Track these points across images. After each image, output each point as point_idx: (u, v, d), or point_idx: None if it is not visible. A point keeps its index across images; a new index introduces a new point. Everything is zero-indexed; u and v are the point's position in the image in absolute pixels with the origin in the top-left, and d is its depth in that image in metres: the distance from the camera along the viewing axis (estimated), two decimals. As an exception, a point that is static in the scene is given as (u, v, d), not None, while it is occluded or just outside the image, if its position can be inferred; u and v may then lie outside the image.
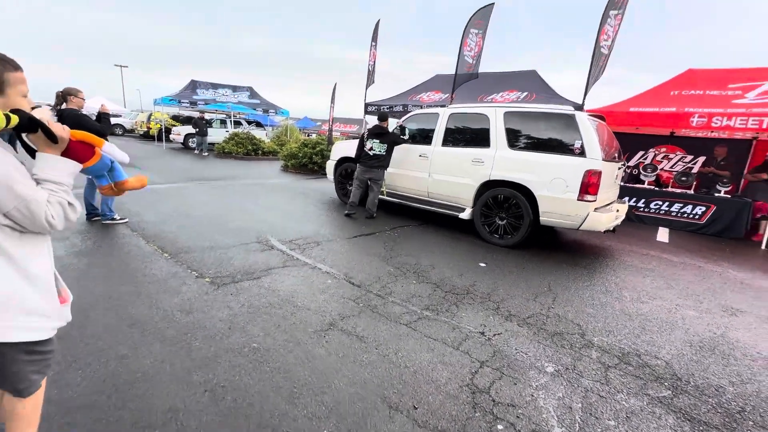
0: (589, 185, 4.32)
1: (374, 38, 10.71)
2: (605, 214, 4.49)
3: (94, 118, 4.69)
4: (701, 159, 8.84)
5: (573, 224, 4.51)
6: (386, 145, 5.66)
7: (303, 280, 3.36)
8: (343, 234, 4.97)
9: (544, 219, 4.68)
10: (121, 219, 4.67)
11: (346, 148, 7.00)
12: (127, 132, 23.68)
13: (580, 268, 4.33)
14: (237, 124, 19.02)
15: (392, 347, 2.41)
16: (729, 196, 7.07)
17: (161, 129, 18.18)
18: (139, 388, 1.86)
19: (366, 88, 11.26)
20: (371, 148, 5.65)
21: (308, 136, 26.81)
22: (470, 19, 8.33)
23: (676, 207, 7.28)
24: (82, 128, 1.31)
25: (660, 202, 7.41)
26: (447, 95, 10.68)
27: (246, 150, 15.16)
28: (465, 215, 5.30)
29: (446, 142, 5.60)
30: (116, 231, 4.35)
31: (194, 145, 17.25)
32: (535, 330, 2.80)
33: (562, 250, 5.13)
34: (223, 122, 18.57)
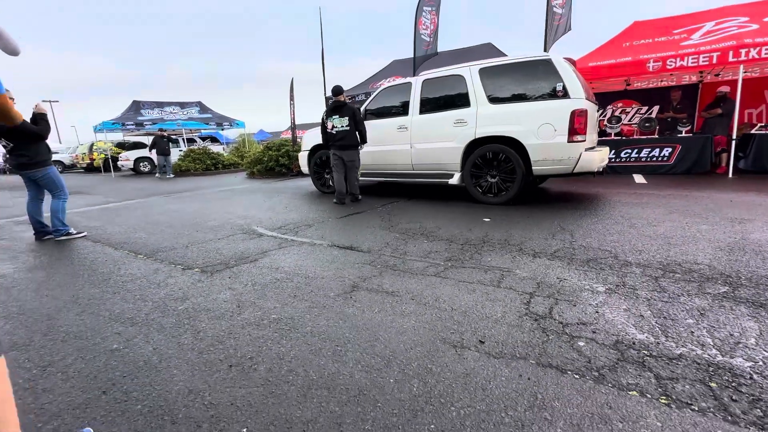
0: (577, 126, 4.27)
1: (320, 33, 10.45)
2: (596, 153, 4.47)
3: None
4: (656, 108, 9.29)
5: (567, 168, 4.44)
6: (347, 118, 5.17)
7: (307, 256, 3.00)
8: (333, 215, 4.63)
9: (537, 168, 4.59)
10: (78, 233, 4.08)
11: (318, 135, 6.65)
12: (68, 168, 21.85)
13: (582, 210, 4.26)
14: (190, 142, 18.02)
15: (429, 296, 2.14)
16: (691, 135, 7.41)
17: (107, 159, 16.86)
18: (142, 378, 1.46)
19: (324, 83, 10.97)
20: (333, 126, 5.22)
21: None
22: (422, -4, 8.26)
23: (645, 152, 7.53)
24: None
25: (629, 150, 7.64)
26: (408, 78, 10.59)
27: (205, 165, 14.33)
28: (455, 180, 5.12)
29: (424, 109, 5.41)
30: (75, 244, 3.77)
31: (148, 170, 16.13)
32: (568, 261, 2.62)
33: (557, 200, 5.07)
34: (174, 141, 17.50)
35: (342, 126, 5.21)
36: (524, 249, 2.92)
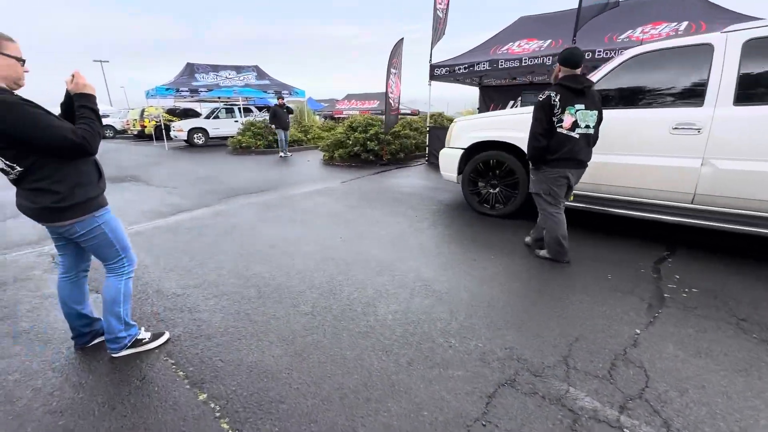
0: None
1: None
2: None
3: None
4: None
5: None
6: (596, 112, 2.85)
7: None
8: (578, 299, 2.37)
9: None
10: (151, 337, 2.06)
11: (479, 127, 4.32)
12: (119, 133, 20.78)
13: None
14: (246, 111, 16.11)
15: None
16: None
17: (159, 126, 15.33)
18: None
19: (432, 46, 8.42)
20: (575, 125, 2.78)
21: (319, 118, 23.80)
22: None
23: None
24: None
25: None
26: (549, 41, 7.83)
27: (267, 142, 12.40)
28: (801, 235, 2.69)
29: (745, 97, 2.91)
30: (143, 374, 1.76)
31: (202, 142, 14.46)
32: None
33: None
34: (229, 111, 15.65)
35: (590, 125, 2.83)
36: None
